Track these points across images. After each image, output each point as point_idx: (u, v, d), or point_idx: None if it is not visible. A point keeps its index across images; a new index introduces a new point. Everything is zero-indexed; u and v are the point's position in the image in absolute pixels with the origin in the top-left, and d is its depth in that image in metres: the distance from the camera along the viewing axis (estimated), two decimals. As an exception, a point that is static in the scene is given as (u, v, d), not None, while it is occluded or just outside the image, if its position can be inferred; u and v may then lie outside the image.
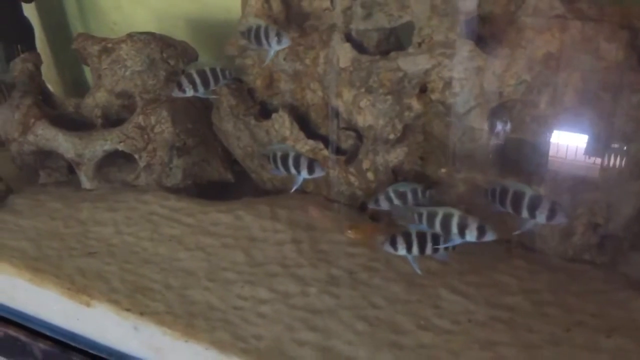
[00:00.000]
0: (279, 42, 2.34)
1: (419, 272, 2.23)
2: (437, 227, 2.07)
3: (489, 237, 2.03)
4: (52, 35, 3.80)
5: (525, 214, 2.07)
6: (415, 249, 2.14)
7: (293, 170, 2.36)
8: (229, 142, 2.96)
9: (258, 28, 2.35)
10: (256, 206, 2.78)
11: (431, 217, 2.07)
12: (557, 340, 2.03)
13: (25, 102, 2.97)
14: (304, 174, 2.35)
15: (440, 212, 2.06)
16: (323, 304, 2.26)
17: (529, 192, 2.06)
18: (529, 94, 2.23)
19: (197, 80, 2.47)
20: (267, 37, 2.34)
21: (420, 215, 2.09)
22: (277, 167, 2.39)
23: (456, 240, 2.06)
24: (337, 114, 2.67)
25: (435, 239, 2.12)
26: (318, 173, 2.36)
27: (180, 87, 2.47)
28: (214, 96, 2.69)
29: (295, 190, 2.91)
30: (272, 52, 2.39)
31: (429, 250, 2.14)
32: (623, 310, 2.14)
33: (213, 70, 2.49)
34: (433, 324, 2.14)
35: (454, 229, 2.04)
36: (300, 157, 2.36)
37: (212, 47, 3.27)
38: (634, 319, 2.09)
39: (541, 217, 2.03)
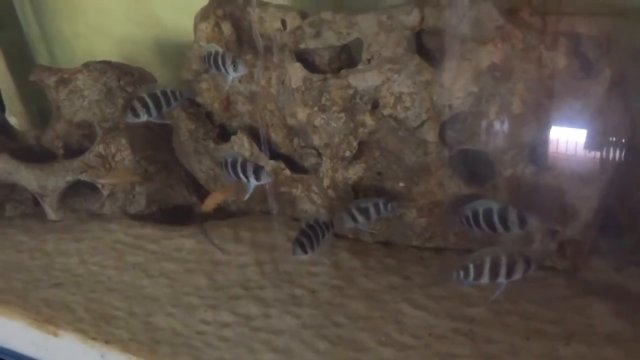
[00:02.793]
0: (234, 69, 2.35)
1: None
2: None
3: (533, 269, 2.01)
4: (15, 66, 3.79)
5: (501, 229, 2.09)
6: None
7: (242, 177, 2.37)
8: (191, 166, 2.96)
9: (216, 54, 2.36)
10: (220, 229, 2.79)
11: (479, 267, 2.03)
12: (516, 349, 2.04)
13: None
14: (252, 180, 2.36)
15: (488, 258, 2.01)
16: (285, 324, 2.26)
17: (496, 207, 2.09)
18: (477, 105, 2.24)
19: (150, 104, 2.47)
20: (224, 64, 2.35)
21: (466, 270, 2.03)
22: (229, 173, 2.40)
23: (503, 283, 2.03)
24: (295, 133, 2.69)
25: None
26: (264, 179, 2.37)
27: (134, 112, 2.47)
28: (166, 122, 2.69)
29: (260, 211, 2.95)
30: (229, 79, 2.40)
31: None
32: (582, 316, 2.14)
33: (164, 93, 2.50)
34: (394, 340, 2.14)
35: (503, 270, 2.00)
36: (247, 163, 2.37)
37: (174, 72, 3.28)
38: (592, 324, 2.10)
39: (515, 228, 2.05)
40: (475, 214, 2.13)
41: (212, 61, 2.36)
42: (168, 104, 2.54)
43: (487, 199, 2.19)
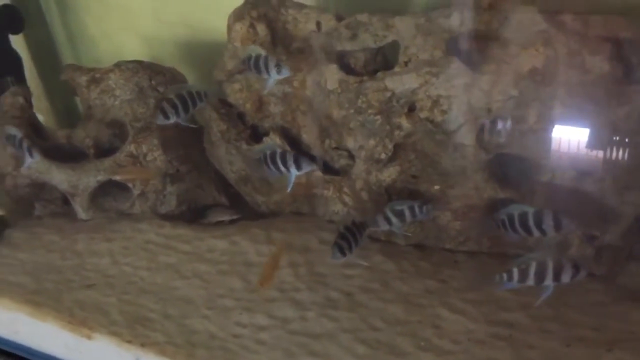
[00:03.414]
0: (278, 72, 2.34)
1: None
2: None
3: (582, 275, 1.99)
4: (42, 65, 3.80)
5: (537, 232, 2.09)
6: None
7: (283, 168, 2.36)
8: (222, 167, 2.95)
9: (257, 57, 2.35)
10: (251, 230, 2.78)
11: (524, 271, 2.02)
12: (558, 356, 2.03)
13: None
14: (293, 170, 2.35)
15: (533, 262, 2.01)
16: (322, 327, 2.26)
17: (531, 210, 2.08)
18: (517, 109, 2.23)
19: (179, 106, 2.48)
20: (266, 67, 2.33)
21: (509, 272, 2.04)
22: (269, 167, 2.38)
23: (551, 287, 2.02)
24: (326, 135, 2.68)
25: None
26: (306, 168, 2.35)
27: (164, 114, 2.48)
28: (192, 125, 2.68)
29: (291, 212, 2.94)
30: (271, 82, 2.39)
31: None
32: (623, 323, 2.13)
33: (191, 94, 2.51)
34: (433, 345, 2.14)
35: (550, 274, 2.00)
36: (286, 153, 2.36)
37: (203, 72, 3.27)
38: (633, 331, 2.09)
39: (550, 231, 2.04)
40: (510, 218, 2.13)
41: (252, 64, 2.35)
42: (194, 105, 2.55)
43: (522, 203, 2.19)
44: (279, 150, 2.36)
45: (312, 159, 2.45)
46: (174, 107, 2.49)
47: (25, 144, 2.73)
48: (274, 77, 2.33)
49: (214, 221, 2.96)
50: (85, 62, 3.26)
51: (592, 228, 2.31)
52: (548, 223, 2.06)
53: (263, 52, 2.35)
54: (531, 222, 2.09)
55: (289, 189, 2.41)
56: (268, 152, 2.37)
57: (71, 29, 3.79)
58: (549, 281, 1.98)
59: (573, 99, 2.13)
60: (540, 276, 1.98)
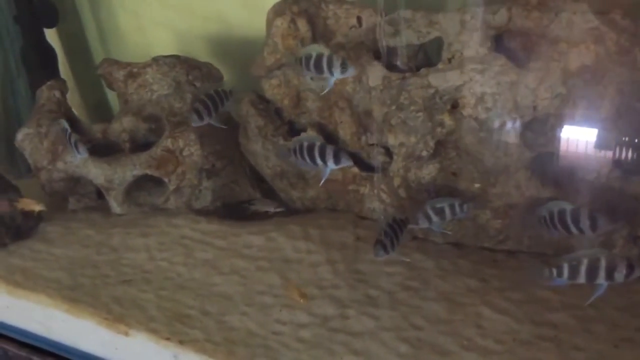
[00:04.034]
0: (343, 71, 2.29)
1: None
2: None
3: (637, 273, 1.96)
4: (74, 59, 3.81)
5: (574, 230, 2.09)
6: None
7: (320, 161, 2.35)
8: (257, 162, 2.95)
9: (320, 56, 2.30)
10: (288, 227, 2.77)
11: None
12: (606, 357, 2.00)
13: (53, 130, 2.98)
14: (330, 164, 2.34)
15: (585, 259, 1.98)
16: (363, 326, 2.24)
17: (569, 208, 2.08)
18: (563, 107, 2.20)
19: (211, 106, 2.52)
20: (329, 66, 2.29)
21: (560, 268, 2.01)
22: (304, 159, 2.38)
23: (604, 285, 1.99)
24: (363, 131, 2.66)
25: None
26: (344, 163, 2.35)
27: (199, 115, 2.49)
28: (223, 125, 2.69)
29: (325, 208, 2.93)
30: (332, 81, 2.36)
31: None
32: (670, 324, 2.11)
33: (219, 94, 2.55)
34: (477, 344, 2.11)
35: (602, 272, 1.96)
36: (325, 146, 2.34)
37: (237, 67, 3.27)
38: (681, 332, 2.06)
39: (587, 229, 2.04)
40: (551, 215, 2.13)
41: (313, 63, 2.30)
42: (222, 104, 2.58)
43: (561, 201, 2.17)
44: (318, 143, 2.35)
45: (349, 154, 2.44)
46: (207, 107, 2.51)
47: (73, 140, 2.74)
48: (337, 76, 2.29)
49: (261, 210, 2.95)
50: (117, 56, 3.24)
51: (637, 228, 2.29)
52: (584, 221, 2.06)
53: (326, 51, 2.30)
54: (569, 220, 2.09)
55: (321, 183, 2.42)
56: (305, 144, 2.36)
57: (104, 23, 3.80)
58: (601, 280, 1.95)
59: (622, 97, 2.10)
60: (592, 274, 1.95)
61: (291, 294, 2.36)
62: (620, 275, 1.93)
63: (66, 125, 2.83)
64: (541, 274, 2.04)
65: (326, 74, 2.31)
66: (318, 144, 2.36)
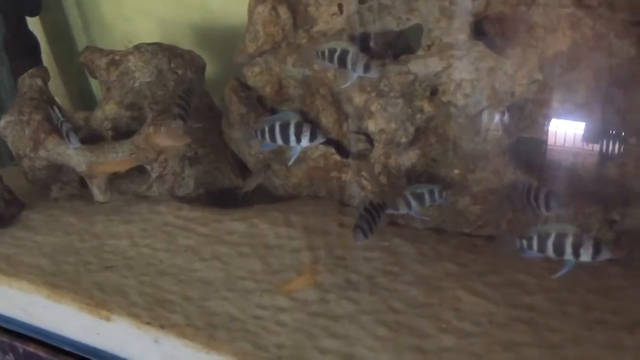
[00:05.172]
0: (366, 71, 2.28)
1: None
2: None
3: (604, 255, 1.95)
4: (57, 48, 3.80)
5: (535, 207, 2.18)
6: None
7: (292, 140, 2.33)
8: (240, 150, 2.96)
9: (345, 51, 2.30)
10: (269, 213, 2.78)
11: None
12: (580, 339, 2.02)
13: (35, 118, 2.98)
14: (305, 141, 2.33)
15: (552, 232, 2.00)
16: (343, 310, 2.25)
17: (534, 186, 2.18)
18: (541, 93, 2.23)
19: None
20: (353, 63, 2.29)
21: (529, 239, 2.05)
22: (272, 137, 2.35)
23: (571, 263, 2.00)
24: (345, 119, 2.68)
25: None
26: (320, 140, 2.35)
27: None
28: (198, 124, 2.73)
29: (308, 195, 2.95)
30: (354, 77, 2.33)
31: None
32: (644, 306, 2.14)
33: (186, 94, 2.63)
34: (455, 327, 2.14)
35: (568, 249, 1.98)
36: (302, 124, 2.34)
37: (221, 55, 3.27)
38: (656, 314, 2.10)
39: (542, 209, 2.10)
40: (521, 190, 2.26)
41: (337, 57, 2.29)
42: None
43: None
44: (293, 120, 2.33)
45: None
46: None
47: (65, 129, 2.74)
48: (359, 73, 2.28)
49: (251, 188, 2.90)
50: (101, 45, 3.24)
51: (613, 212, 2.32)
52: (541, 199, 2.15)
53: (351, 48, 2.28)
54: (531, 196, 2.19)
55: (291, 162, 2.43)
56: (278, 123, 2.34)
57: (87, 12, 3.79)
58: (568, 255, 1.97)
59: (599, 83, 2.13)
60: (558, 248, 1.97)
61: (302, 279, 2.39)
62: (587, 254, 1.94)
63: (58, 114, 2.83)
64: (513, 245, 2.08)
65: (349, 70, 2.30)
66: (294, 121, 2.34)
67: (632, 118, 2.15)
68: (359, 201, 2.70)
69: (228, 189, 3.08)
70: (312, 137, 2.33)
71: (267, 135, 2.35)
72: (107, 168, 2.80)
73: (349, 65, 2.29)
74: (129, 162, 2.80)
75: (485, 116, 2.33)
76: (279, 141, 2.36)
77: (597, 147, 2.27)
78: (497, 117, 2.32)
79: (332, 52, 2.33)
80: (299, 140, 2.34)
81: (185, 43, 3.29)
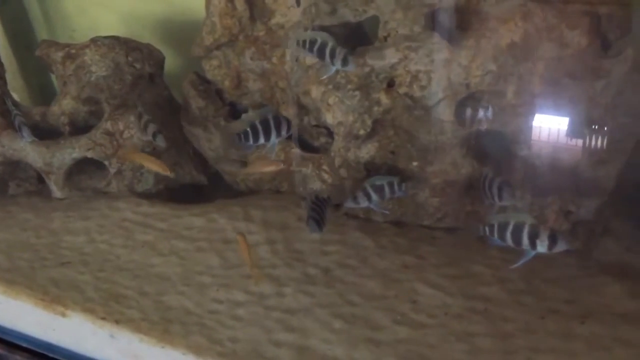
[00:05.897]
0: (344, 64, 2.25)
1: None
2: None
3: (561, 247, 1.97)
4: (16, 42, 3.73)
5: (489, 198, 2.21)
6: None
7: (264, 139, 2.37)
8: (200, 145, 2.93)
9: (324, 44, 2.27)
10: (229, 208, 2.77)
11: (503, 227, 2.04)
12: (533, 328, 2.05)
13: (-11, 112, 2.93)
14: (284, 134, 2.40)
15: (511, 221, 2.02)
16: (299, 303, 2.25)
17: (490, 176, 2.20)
18: (495, 84, 2.23)
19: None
20: (332, 56, 2.26)
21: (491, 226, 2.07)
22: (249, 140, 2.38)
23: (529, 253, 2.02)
24: (305, 112, 2.66)
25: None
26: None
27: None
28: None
29: (269, 189, 2.93)
30: (332, 70, 2.32)
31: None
32: (596, 296, 2.15)
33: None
34: (410, 319, 2.14)
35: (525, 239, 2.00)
36: (279, 118, 2.36)
37: (180, 48, 3.24)
38: (607, 304, 2.11)
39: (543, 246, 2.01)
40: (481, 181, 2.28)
41: (317, 49, 2.27)
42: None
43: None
44: (258, 120, 2.35)
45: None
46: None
47: (17, 122, 2.69)
48: (337, 67, 2.26)
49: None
50: (61, 38, 3.19)
51: (568, 203, 2.33)
52: (494, 189, 2.18)
53: (331, 41, 2.25)
54: (486, 186, 2.22)
55: (273, 155, 2.46)
56: (248, 127, 2.35)
57: (47, 5, 3.73)
58: (525, 245, 1.99)
59: (551, 73, 2.14)
60: (516, 237, 2.00)
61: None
62: (543, 245, 1.95)
63: (11, 106, 2.77)
64: (477, 231, 2.12)
65: (327, 61, 2.27)
66: (259, 120, 2.35)
67: (585, 108, 2.15)
68: (305, 195, 2.68)
69: (189, 184, 3.06)
70: (288, 130, 2.37)
71: (250, 137, 2.36)
72: (136, 158, 2.75)
73: (327, 58, 2.28)
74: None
75: (441, 108, 2.32)
76: (262, 140, 2.38)
77: (552, 137, 2.27)
78: (452, 109, 2.31)
79: (312, 42, 2.31)
80: (279, 134, 2.38)
81: (146, 36, 3.25)
